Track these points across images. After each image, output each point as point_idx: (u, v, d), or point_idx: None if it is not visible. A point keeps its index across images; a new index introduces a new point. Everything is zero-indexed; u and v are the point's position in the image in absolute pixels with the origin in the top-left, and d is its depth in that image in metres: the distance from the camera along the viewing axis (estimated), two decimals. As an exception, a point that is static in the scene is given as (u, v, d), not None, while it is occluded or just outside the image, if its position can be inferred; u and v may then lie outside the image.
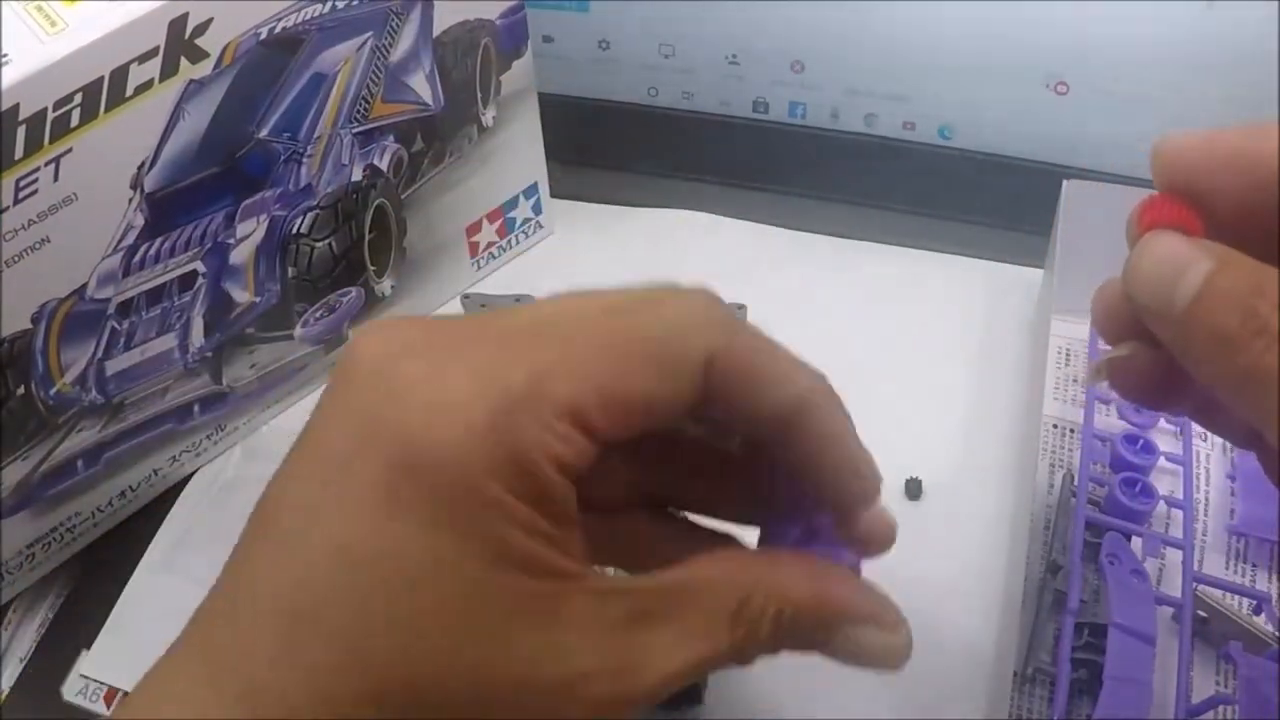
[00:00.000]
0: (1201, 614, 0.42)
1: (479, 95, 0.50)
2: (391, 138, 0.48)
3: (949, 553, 0.48)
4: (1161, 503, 0.46)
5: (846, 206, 0.60)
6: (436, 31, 0.47)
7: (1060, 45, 0.54)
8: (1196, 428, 0.49)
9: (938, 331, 0.55)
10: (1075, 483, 0.46)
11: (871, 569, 0.47)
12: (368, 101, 0.46)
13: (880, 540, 0.31)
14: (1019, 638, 0.43)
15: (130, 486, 0.47)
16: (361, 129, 0.46)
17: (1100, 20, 0.53)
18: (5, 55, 0.35)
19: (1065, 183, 0.50)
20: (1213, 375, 0.25)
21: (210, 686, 0.24)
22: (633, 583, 0.28)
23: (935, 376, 0.53)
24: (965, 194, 0.59)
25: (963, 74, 0.56)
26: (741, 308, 0.55)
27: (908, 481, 0.50)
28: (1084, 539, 0.44)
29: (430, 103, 0.48)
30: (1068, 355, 0.53)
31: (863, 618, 0.30)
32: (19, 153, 0.36)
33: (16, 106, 0.35)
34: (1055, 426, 0.50)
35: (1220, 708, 0.40)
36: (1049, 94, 0.56)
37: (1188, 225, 0.26)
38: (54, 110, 0.36)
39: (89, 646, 0.45)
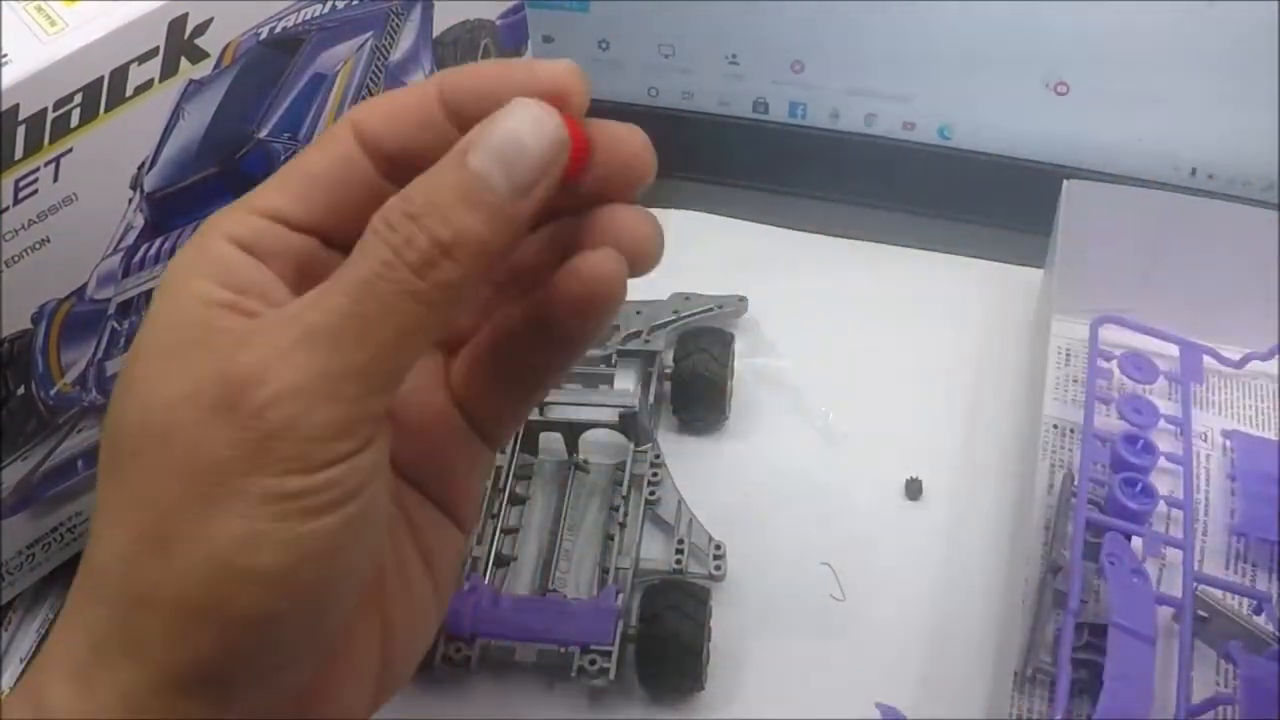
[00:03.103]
0: (1202, 614, 0.42)
1: (479, 95, 0.50)
2: (391, 138, 0.47)
3: (949, 553, 0.48)
4: (1161, 503, 0.46)
5: (846, 206, 0.60)
6: (436, 31, 0.47)
7: (1060, 45, 0.54)
8: (1196, 427, 0.49)
9: (937, 331, 0.55)
10: (1075, 483, 0.46)
11: (870, 567, 0.47)
12: (368, 101, 0.46)
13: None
14: (1019, 638, 0.43)
15: (130, 487, 0.47)
16: (361, 129, 0.46)
17: (1100, 20, 0.53)
18: (5, 55, 0.35)
19: (1066, 183, 0.50)
20: None
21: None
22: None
23: (935, 376, 0.53)
24: (965, 194, 0.59)
25: (963, 74, 0.56)
26: (742, 299, 0.55)
27: (908, 481, 0.50)
28: (1085, 539, 0.44)
29: (430, 103, 0.48)
30: (1068, 355, 0.53)
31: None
32: (19, 153, 0.36)
33: (16, 106, 0.35)
34: (1055, 427, 0.50)
35: (1221, 708, 0.40)
36: (1049, 94, 0.56)
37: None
38: (54, 110, 0.36)
39: (89, 647, 0.45)
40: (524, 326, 0.29)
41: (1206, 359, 0.51)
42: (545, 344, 0.29)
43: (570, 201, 0.27)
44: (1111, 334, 0.52)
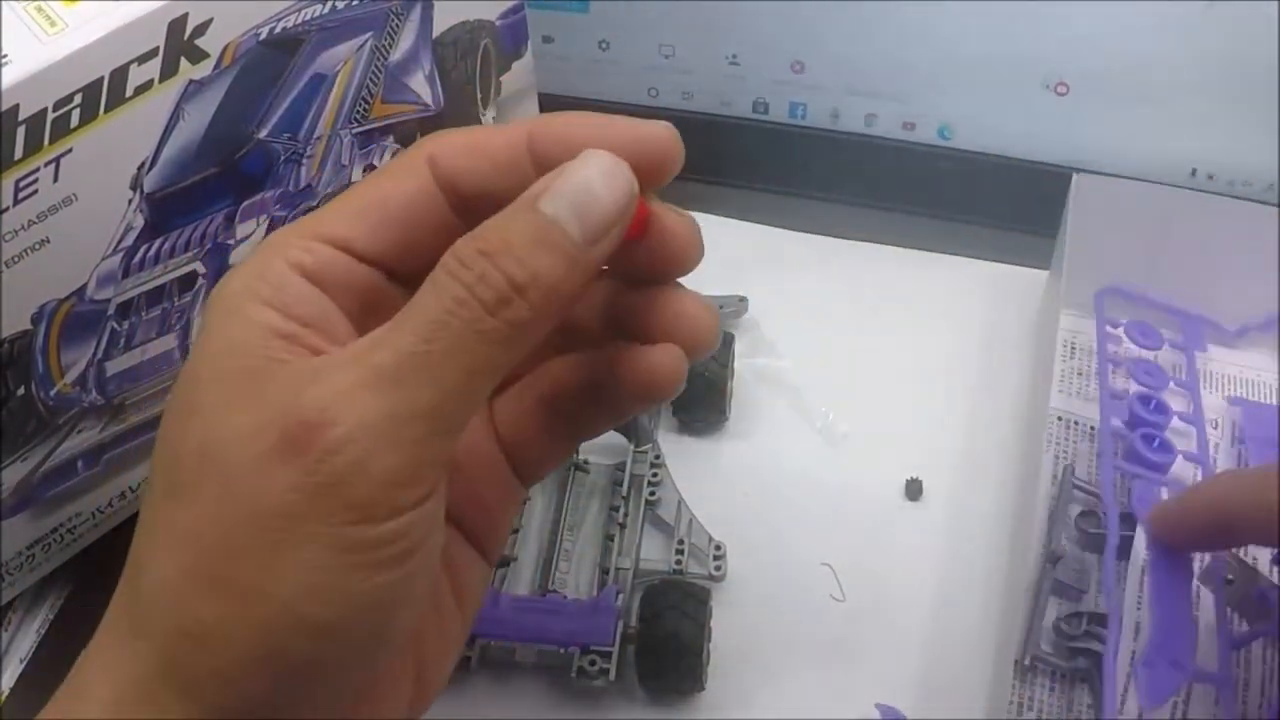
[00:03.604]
0: (1229, 577, 0.42)
1: (479, 96, 0.50)
2: (391, 138, 0.48)
3: (949, 553, 0.48)
4: (1180, 457, 0.46)
5: (846, 206, 0.60)
6: (436, 32, 0.47)
7: (1060, 45, 0.54)
8: (1203, 396, 0.50)
9: (937, 332, 0.55)
10: (1075, 474, 0.47)
11: (870, 567, 0.47)
12: (368, 102, 0.46)
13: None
14: (1019, 631, 0.43)
15: (130, 487, 0.47)
16: (361, 129, 0.46)
17: (1100, 20, 0.53)
18: (5, 55, 0.35)
19: (1075, 177, 0.50)
20: None
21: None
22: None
23: (935, 377, 0.53)
24: (965, 194, 0.59)
25: (963, 74, 0.56)
26: (742, 299, 0.55)
27: (908, 481, 0.50)
28: (1085, 529, 0.45)
29: (430, 103, 0.48)
30: (1073, 348, 0.53)
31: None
32: (19, 153, 0.36)
33: (16, 107, 0.35)
34: (1060, 419, 0.50)
35: (1263, 639, 0.41)
36: (1049, 94, 0.56)
37: None
38: (54, 110, 0.36)
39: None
40: (580, 387, 0.29)
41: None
42: (598, 407, 0.29)
43: (622, 264, 0.28)
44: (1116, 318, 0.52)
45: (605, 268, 0.27)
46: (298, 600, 0.24)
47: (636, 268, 0.28)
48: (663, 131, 0.27)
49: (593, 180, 0.25)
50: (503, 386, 0.30)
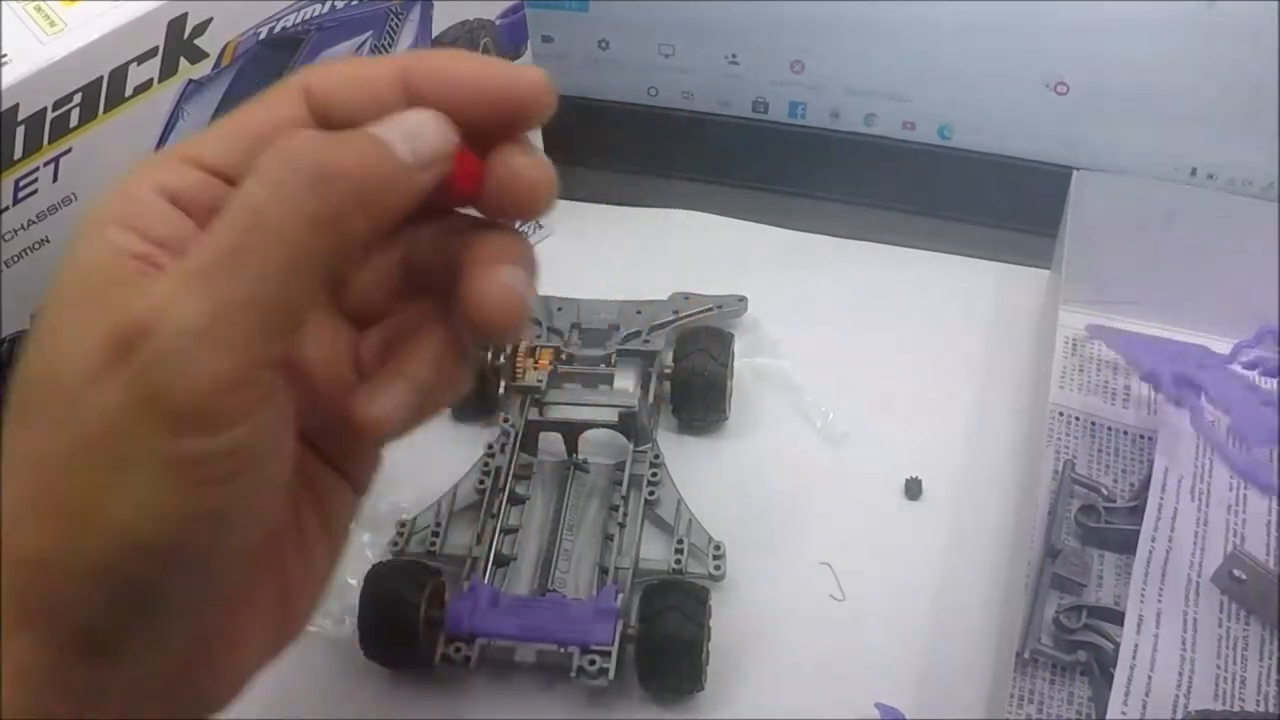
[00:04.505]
0: (1239, 575, 0.42)
1: (479, 95, 0.50)
2: (391, 138, 0.48)
3: (949, 552, 0.48)
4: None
5: (846, 206, 0.60)
6: (436, 31, 0.47)
7: (1060, 45, 0.54)
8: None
9: (937, 331, 0.55)
10: (1075, 470, 0.47)
11: (870, 567, 0.47)
12: (367, 101, 0.46)
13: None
14: (1019, 626, 0.43)
15: (130, 487, 0.47)
16: (361, 129, 0.46)
17: (1100, 20, 0.53)
18: (5, 55, 0.35)
19: (1075, 173, 0.51)
20: None
21: None
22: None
23: (934, 376, 0.53)
24: (965, 194, 0.59)
25: (963, 74, 0.56)
26: (742, 299, 0.55)
27: (908, 481, 0.50)
28: (1082, 522, 0.45)
29: (430, 103, 0.48)
30: (1074, 345, 0.53)
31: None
32: (18, 153, 0.36)
33: (16, 106, 0.35)
34: (1061, 414, 0.50)
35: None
36: (1049, 94, 0.56)
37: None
38: (53, 110, 0.36)
39: (89, 647, 0.45)
40: (431, 329, 0.29)
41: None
42: (447, 341, 0.29)
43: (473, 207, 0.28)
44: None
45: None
46: (132, 522, 0.23)
47: (486, 211, 0.28)
48: (535, 75, 0.27)
49: (423, 120, 0.26)
50: (366, 321, 0.30)
